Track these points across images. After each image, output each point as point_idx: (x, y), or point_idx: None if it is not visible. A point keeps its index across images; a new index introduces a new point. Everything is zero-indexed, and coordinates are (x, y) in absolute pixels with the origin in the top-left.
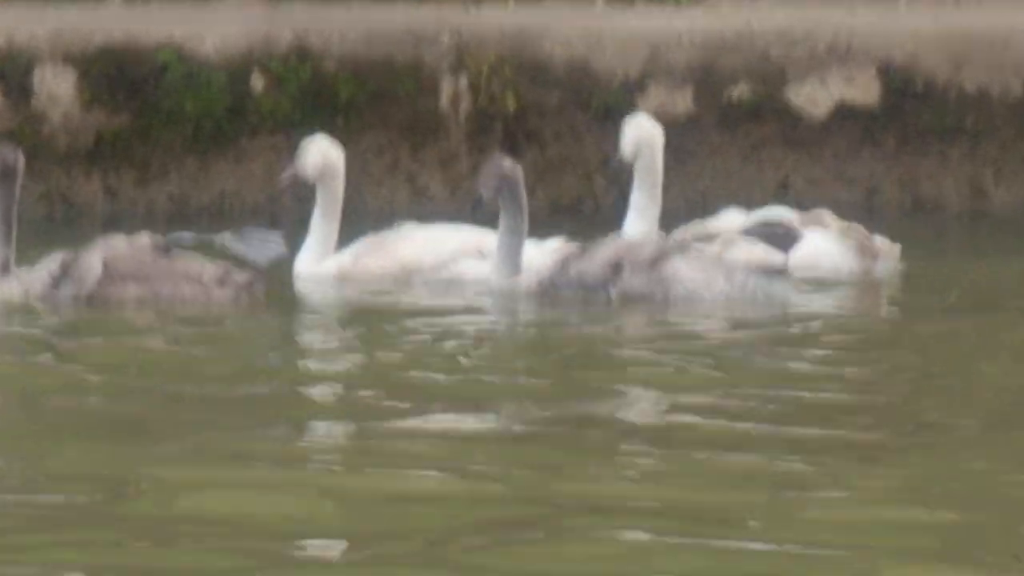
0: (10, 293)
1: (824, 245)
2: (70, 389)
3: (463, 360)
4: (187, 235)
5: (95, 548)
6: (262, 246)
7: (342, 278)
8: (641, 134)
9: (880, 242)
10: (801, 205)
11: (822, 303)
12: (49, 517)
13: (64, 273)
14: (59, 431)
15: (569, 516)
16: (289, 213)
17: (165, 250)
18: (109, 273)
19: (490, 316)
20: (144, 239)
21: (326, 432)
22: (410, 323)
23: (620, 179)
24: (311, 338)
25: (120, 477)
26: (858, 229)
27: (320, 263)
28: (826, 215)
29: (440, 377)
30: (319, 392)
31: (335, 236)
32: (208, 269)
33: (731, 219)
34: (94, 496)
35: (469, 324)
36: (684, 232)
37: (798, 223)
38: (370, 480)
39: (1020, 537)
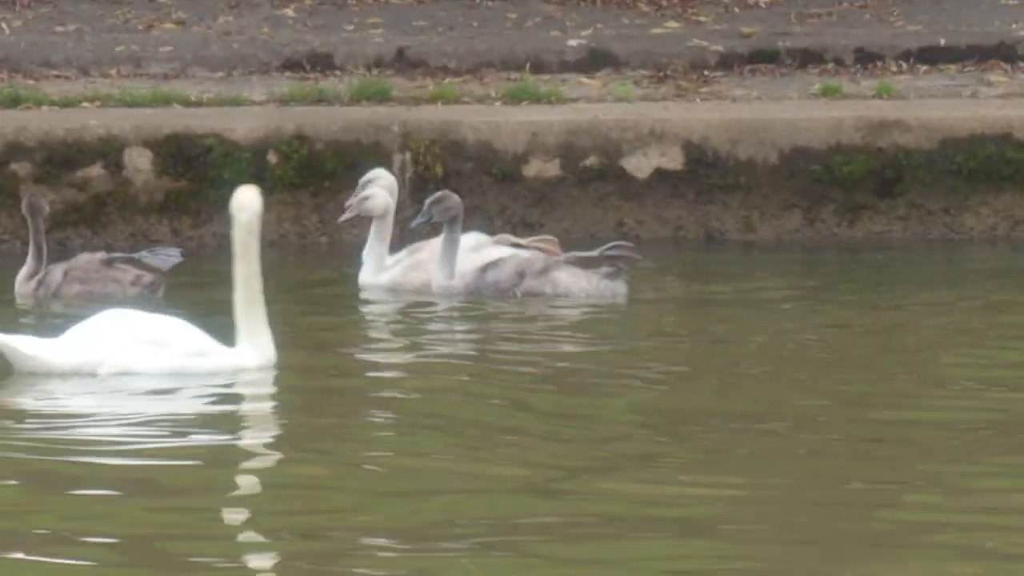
0: (30, 291)
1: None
2: None
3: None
4: (121, 253)
5: None
6: (166, 259)
7: (394, 287)
8: (388, 203)
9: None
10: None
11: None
12: None
13: (42, 280)
14: None
15: None
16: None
17: (108, 263)
18: (67, 278)
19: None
20: (97, 256)
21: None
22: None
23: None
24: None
25: None
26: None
27: (376, 276)
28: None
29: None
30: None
31: (387, 255)
32: (127, 275)
33: (475, 238)
34: None
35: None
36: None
37: (493, 242)
38: None
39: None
